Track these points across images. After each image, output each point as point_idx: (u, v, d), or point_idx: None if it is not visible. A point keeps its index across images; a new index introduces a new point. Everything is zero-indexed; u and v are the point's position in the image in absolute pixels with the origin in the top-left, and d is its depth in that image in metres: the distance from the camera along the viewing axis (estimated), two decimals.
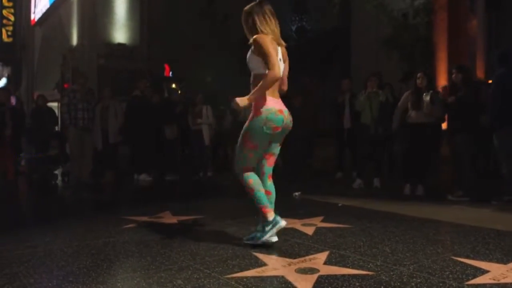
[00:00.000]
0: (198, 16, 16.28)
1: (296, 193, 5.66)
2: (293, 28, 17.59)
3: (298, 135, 5.89)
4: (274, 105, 3.04)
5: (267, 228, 3.07)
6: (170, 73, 18.40)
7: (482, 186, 5.45)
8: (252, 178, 3.10)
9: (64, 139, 8.41)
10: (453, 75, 5.47)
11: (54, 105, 12.58)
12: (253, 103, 3.03)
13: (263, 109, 3.01)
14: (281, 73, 3.07)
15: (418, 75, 5.62)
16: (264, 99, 3.01)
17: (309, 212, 4.41)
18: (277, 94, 3.12)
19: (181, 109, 8.27)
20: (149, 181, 7.60)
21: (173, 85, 16.94)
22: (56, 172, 8.11)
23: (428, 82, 5.65)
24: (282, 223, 3.07)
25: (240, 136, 3.13)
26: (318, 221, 3.98)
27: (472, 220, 4.05)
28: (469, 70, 5.60)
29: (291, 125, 3.17)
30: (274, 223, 3.05)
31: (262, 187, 3.11)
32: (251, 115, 3.09)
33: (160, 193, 6.79)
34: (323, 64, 15.00)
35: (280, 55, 3.09)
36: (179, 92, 15.05)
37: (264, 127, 3.01)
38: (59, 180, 7.94)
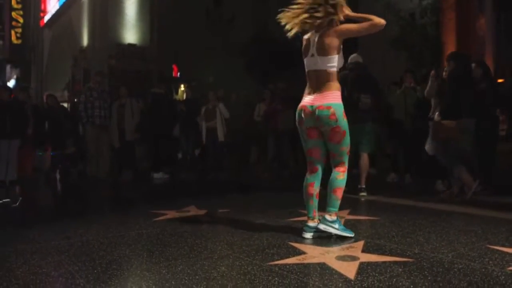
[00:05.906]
0: (205, 16, 16.33)
1: None
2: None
3: None
4: (301, 103, 3.24)
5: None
6: (178, 73, 18.47)
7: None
8: (305, 182, 3.28)
9: (80, 137, 8.46)
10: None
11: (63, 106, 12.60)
12: None
13: None
14: None
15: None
16: None
17: None
18: (311, 89, 3.23)
19: (182, 108, 8.28)
20: (166, 178, 7.64)
21: (182, 86, 17.01)
22: (74, 170, 8.16)
23: None
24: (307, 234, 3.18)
25: None
26: (345, 214, 3.99)
27: (497, 212, 4.06)
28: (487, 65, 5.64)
29: (311, 121, 3.15)
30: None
31: (309, 197, 3.24)
32: None
33: (180, 190, 6.81)
34: None
35: None
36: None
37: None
38: (76, 178, 7.98)
